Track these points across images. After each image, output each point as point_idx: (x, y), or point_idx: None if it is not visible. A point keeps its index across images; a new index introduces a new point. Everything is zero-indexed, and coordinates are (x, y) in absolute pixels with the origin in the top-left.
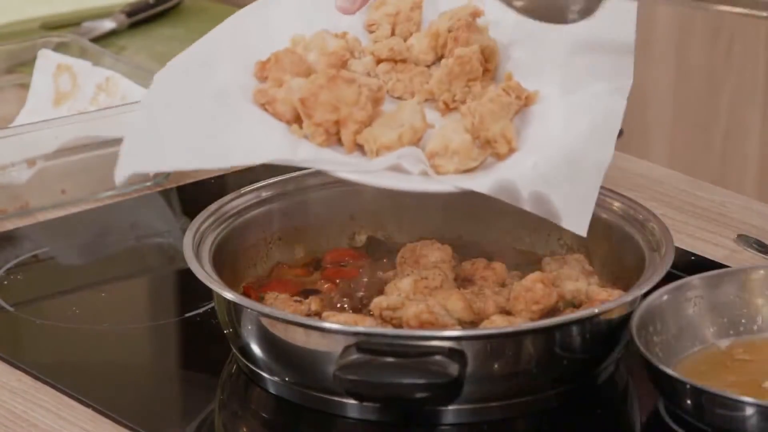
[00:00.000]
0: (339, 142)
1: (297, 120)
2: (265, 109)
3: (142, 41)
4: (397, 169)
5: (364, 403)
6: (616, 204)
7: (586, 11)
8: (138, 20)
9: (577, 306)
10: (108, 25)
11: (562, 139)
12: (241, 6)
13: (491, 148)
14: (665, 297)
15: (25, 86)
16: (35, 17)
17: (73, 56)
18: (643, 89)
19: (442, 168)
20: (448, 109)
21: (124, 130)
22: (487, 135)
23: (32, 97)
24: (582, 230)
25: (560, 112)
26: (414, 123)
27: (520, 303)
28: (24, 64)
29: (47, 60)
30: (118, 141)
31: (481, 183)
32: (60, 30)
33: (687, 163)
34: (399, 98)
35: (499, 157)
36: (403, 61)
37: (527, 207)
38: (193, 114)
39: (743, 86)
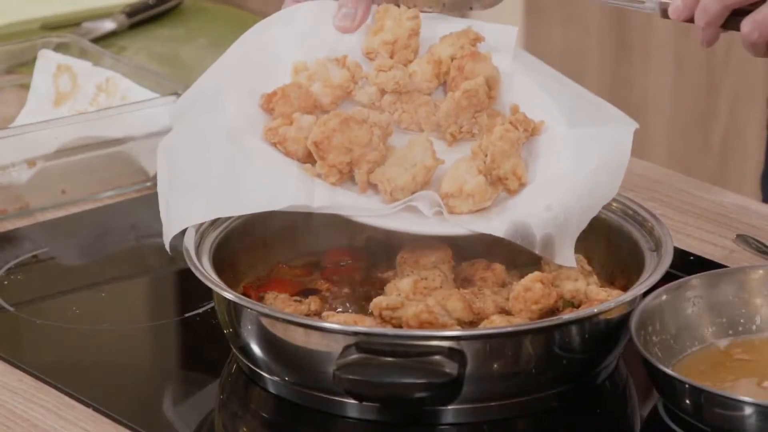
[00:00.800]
0: (352, 179)
1: (309, 158)
2: (276, 147)
3: (142, 42)
4: (411, 210)
5: (364, 403)
6: (615, 204)
7: (490, 3)
8: (138, 21)
9: (576, 306)
10: (108, 25)
11: (573, 174)
12: (240, 7)
13: (502, 185)
14: (664, 297)
15: (26, 86)
16: (35, 18)
17: (73, 57)
18: (642, 90)
19: (456, 209)
20: (454, 139)
21: (159, 187)
22: (499, 173)
23: (32, 97)
24: (571, 261)
25: (569, 144)
26: (426, 162)
27: (519, 303)
28: (24, 65)
29: (47, 60)
30: (118, 141)
31: (496, 227)
32: (60, 30)
33: (686, 163)
34: (406, 129)
35: (510, 192)
36: (408, 92)
37: (538, 251)
38: (210, 161)
39: (742, 87)
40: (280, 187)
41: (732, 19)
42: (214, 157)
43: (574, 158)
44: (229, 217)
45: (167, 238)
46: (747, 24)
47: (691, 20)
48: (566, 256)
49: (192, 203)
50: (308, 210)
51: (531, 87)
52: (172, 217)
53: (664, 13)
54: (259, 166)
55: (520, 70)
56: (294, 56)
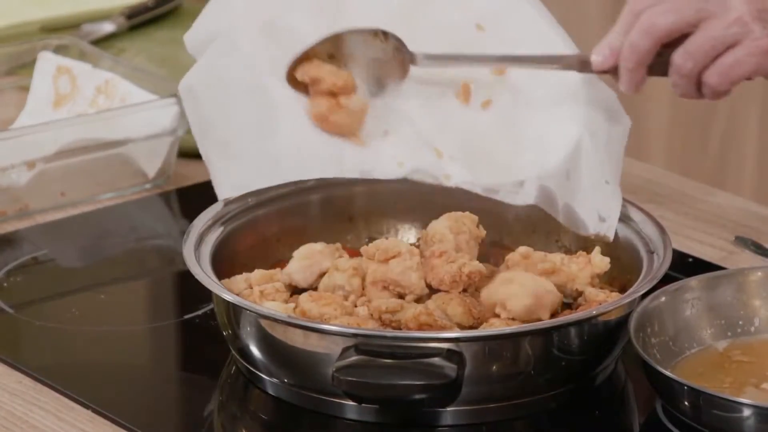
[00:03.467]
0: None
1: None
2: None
3: (141, 44)
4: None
5: (363, 405)
6: None
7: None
8: (137, 23)
9: (575, 308)
10: (107, 27)
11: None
12: None
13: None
14: (663, 299)
15: (25, 88)
16: (35, 20)
17: (72, 58)
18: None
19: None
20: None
21: (193, 130)
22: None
23: (32, 99)
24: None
25: (575, 131)
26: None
27: None
28: (24, 67)
29: (47, 62)
30: (117, 143)
31: (528, 193)
32: (59, 32)
33: (684, 164)
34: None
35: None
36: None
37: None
38: (239, 118)
39: (741, 87)
40: (312, 154)
41: (658, 62)
42: (242, 113)
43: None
44: (228, 219)
45: (220, 198)
46: (679, 55)
47: (614, 68)
48: (605, 226)
49: (230, 172)
50: (340, 176)
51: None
52: (217, 181)
53: (584, 66)
54: (289, 130)
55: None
56: None
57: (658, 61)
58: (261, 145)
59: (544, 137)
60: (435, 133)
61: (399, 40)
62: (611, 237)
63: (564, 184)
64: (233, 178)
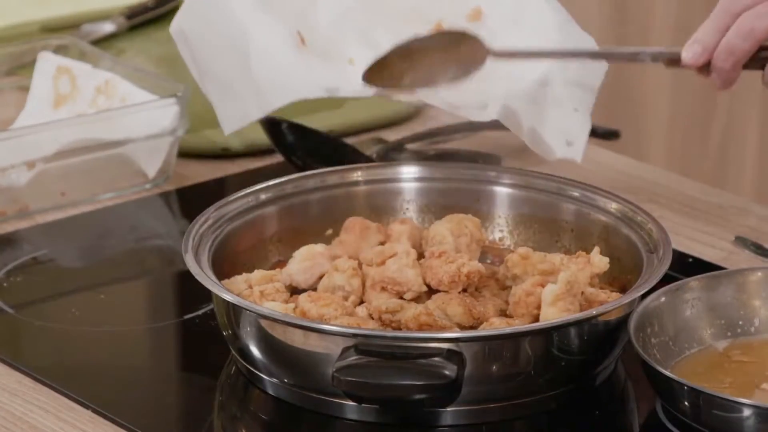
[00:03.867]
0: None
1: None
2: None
3: (141, 44)
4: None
5: (363, 405)
6: (614, 206)
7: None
8: (137, 23)
9: None
10: (107, 27)
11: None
12: None
13: None
14: (663, 299)
15: (25, 89)
16: (35, 20)
17: (72, 59)
18: (640, 90)
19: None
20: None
21: (191, 70)
22: None
23: (32, 99)
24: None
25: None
26: None
27: (521, 308)
28: (24, 67)
29: (47, 62)
30: (117, 143)
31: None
32: (59, 32)
33: (684, 164)
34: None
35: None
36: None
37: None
38: (233, 58)
39: (741, 88)
40: (286, 80)
41: (753, 58)
42: (226, 48)
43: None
44: (228, 219)
45: (226, 133)
46: None
47: (707, 65)
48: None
49: (227, 107)
50: (335, 95)
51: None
52: (220, 118)
53: (672, 62)
54: (264, 58)
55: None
56: None
57: (754, 57)
58: (246, 77)
59: (513, 71)
60: None
61: (473, 36)
62: (579, 159)
63: (529, 108)
64: (231, 112)
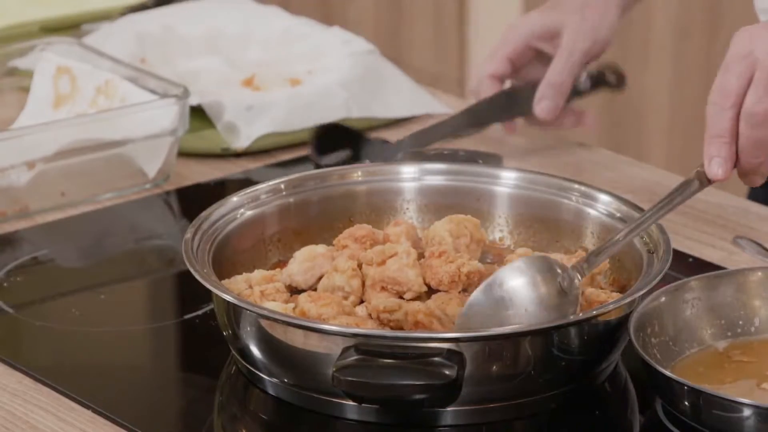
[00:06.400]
0: None
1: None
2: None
3: None
4: None
5: (363, 405)
6: (614, 206)
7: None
8: None
9: None
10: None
11: None
12: None
13: None
14: (663, 299)
15: (25, 89)
16: (35, 20)
17: (72, 59)
18: (640, 91)
19: None
20: None
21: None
22: None
23: (32, 99)
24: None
25: None
26: None
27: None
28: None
29: (47, 62)
30: (117, 143)
31: None
32: (59, 32)
33: (684, 165)
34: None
35: None
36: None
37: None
38: None
39: None
40: None
41: None
42: None
43: None
44: (228, 219)
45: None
46: None
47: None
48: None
49: None
50: None
51: None
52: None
53: (704, 182)
54: None
55: None
56: None
57: None
58: None
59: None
60: None
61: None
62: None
63: None
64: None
